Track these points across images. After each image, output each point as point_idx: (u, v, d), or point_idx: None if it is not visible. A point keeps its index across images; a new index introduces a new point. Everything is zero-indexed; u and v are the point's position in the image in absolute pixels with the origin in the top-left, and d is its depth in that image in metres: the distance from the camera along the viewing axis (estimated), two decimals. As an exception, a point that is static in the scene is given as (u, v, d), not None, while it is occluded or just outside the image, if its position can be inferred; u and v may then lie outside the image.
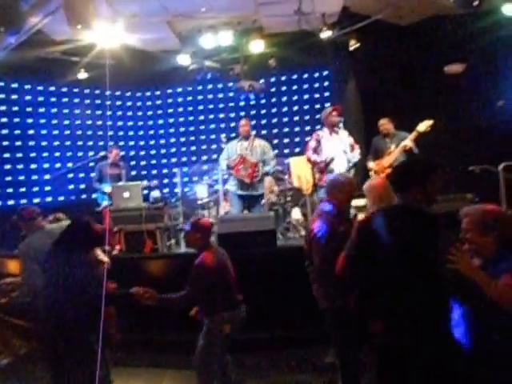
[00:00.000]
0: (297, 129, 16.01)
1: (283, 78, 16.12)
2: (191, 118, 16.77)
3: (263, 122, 16.12)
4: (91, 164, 13.09)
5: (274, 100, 16.24)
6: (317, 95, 15.96)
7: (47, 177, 14.01)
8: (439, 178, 4.20)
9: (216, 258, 5.94)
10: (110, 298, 5.20)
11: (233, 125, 15.83)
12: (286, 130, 16.15)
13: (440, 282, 3.84)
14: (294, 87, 16.16)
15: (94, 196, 12.52)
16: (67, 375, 5.22)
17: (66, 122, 14.99)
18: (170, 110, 16.94)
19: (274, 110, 16.29)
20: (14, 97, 13.78)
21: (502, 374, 3.91)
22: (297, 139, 15.86)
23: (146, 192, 11.49)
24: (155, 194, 10.91)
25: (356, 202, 10.14)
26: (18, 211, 7.06)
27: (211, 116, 16.65)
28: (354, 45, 12.33)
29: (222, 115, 16.53)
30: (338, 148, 9.58)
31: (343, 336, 5.85)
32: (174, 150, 16.85)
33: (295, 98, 16.15)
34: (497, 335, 3.91)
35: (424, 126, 10.18)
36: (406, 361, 3.95)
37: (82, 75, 13.32)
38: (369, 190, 5.87)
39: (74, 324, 5.10)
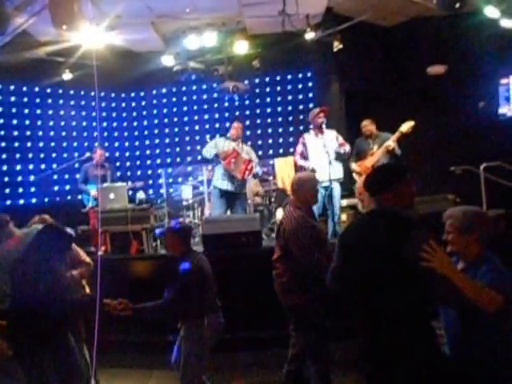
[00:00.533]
0: (280, 129, 16.03)
1: (267, 79, 16.12)
2: (176, 119, 16.74)
3: (247, 122, 15.95)
4: (76, 165, 13.08)
5: (258, 101, 16.25)
6: (300, 96, 15.97)
7: (32, 178, 13.97)
8: (409, 181, 4.24)
9: (199, 263, 5.97)
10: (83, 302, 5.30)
11: (217, 126, 15.88)
12: (270, 130, 16.16)
13: (418, 284, 3.81)
14: (278, 88, 16.18)
15: (79, 197, 12.51)
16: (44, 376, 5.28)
17: (51, 123, 14.91)
18: (155, 111, 16.88)
19: (258, 111, 16.29)
20: (-2, 98, 13.75)
21: (484, 373, 3.94)
22: (280, 140, 15.90)
23: (131, 193, 11.52)
24: (141, 195, 10.93)
25: (341, 203, 10.31)
26: None
27: (196, 117, 16.62)
28: (337, 46, 12.34)
29: (206, 116, 16.49)
30: (322, 150, 9.72)
31: (313, 333, 6.06)
32: (158, 151, 16.82)
33: (279, 98, 16.16)
34: (477, 335, 3.95)
35: (406, 126, 10.28)
36: (387, 363, 4.00)
37: (67, 76, 13.26)
38: (360, 192, 6.00)
39: (48, 326, 5.14)
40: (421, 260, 3.70)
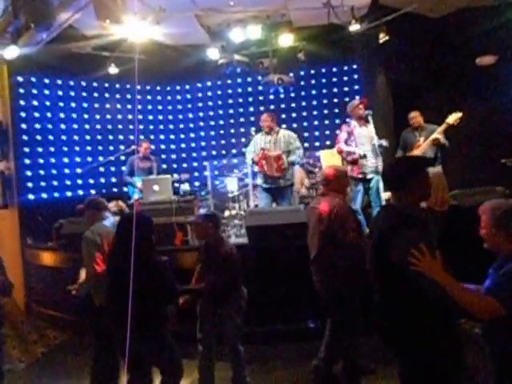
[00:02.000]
0: (327, 122, 16.03)
1: (312, 72, 16.13)
2: (221, 112, 16.82)
3: (293, 115, 16.19)
4: (122, 158, 13.23)
5: (303, 93, 16.26)
6: (346, 88, 15.98)
7: (79, 170, 14.12)
8: (426, 175, 4.26)
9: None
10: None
11: (263, 118, 15.92)
12: (316, 123, 16.18)
13: (407, 282, 3.87)
14: (324, 80, 16.19)
15: (125, 189, 12.62)
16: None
17: (97, 117, 15.07)
18: (200, 104, 16.99)
19: (303, 104, 16.31)
20: (46, 92, 13.84)
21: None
22: (327, 132, 15.89)
23: (177, 185, 11.60)
24: (185, 187, 11.03)
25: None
26: (90, 200, 7.14)
27: (241, 110, 16.70)
28: (383, 37, 12.25)
29: (251, 109, 16.53)
30: (368, 140, 9.70)
31: (342, 321, 6.39)
32: (203, 143, 16.92)
33: (324, 91, 16.16)
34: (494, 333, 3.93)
35: (453, 118, 10.20)
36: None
37: (113, 70, 13.45)
38: None
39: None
40: (408, 262, 3.72)
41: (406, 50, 12.90)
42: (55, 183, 13.65)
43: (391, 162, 4.64)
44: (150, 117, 16.39)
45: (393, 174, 4.39)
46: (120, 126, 15.50)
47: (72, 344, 9.12)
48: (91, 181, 14.47)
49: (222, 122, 16.83)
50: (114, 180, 14.75)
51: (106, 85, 15.29)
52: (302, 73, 15.98)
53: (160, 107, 16.68)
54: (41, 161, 13.37)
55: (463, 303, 3.62)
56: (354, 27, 11.65)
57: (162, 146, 16.54)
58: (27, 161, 12.94)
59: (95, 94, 15.13)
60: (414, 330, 3.93)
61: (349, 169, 9.70)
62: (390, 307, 4.13)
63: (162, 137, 16.63)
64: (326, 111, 16.12)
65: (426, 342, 3.91)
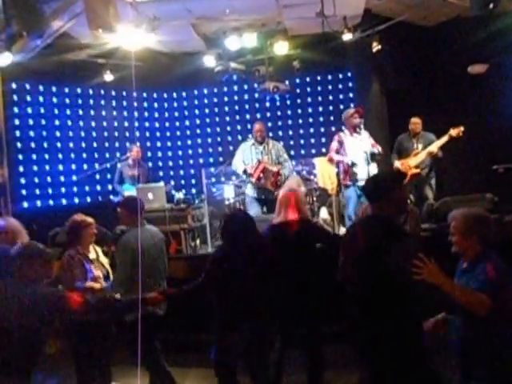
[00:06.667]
0: (322, 129, 16.05)
1: (308, 79, 16.17)
2: (217, 119, 16.86)
3: (289, 122, 16.27)
4: (118, 165, 13.16)
5: (299, 101, 16.28)
6: (341, 96, 16.04)
7: (74, 178, 14.13)
8: (403, 188, 4.63)
9: None
10: None
11: (259, 126, 15.96)
12: (312, 130, 16.21)
13: (400, 290, 4.14)
14: (319, 88, 16.23)
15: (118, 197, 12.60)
16: None
17: (93, 124, 15.07)
18: (197, 111, 17.00)
19: (299, 111, 16.34)
20: (41, 99, 13.87)
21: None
22: (323, 139, 15.82)
23: (173, 193, 11.59)
24: (179, 195, 11.01)
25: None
26: (128, 200, 7.18)
27: (237, 117, 16.73)
28: (376, 46, 12.31)
29: (247, 116, 16.54)
30: (359, 149, 9.79)
31: None
32: (200, 150, 16.94)
33: (320, 99, 16.20)
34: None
35: (456, 131, 10.34)
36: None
37: (109, 77, 13.43)
38: None
39: None
40: (409, 271, 3.93)
41: (399, 58, 12.99)
42: (50, 191, 13.67)
43: (371, 176, 4.81)
44: (147, 124, 16.39)
45: (373, 185, 4.62)
46: (116, 133, 15.51)
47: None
48: (87, 188, 14.48)
49: (218, 130, 16.85)
50: (110, 187, 14.68)
51: (102, 92, 15.24)
52: (298, 80, 15.97)
53: (156, 114, 16.69)
54: (35, 168, 13.41)
55: (464, 303, 3.94)
56: (347, 36, 11.68)
57: (159, 153, 16.59)
58: (21, 168, 13.01)
59: (91, 101, 15.11)
60: (398, 339, 4.15)
61: (341, 177, 9.89)
62: (372, 316, 4.31)
63: (158, 144, 16.67)
64: (321, 118, 16.16)
65: (404, 351, 4.17)
